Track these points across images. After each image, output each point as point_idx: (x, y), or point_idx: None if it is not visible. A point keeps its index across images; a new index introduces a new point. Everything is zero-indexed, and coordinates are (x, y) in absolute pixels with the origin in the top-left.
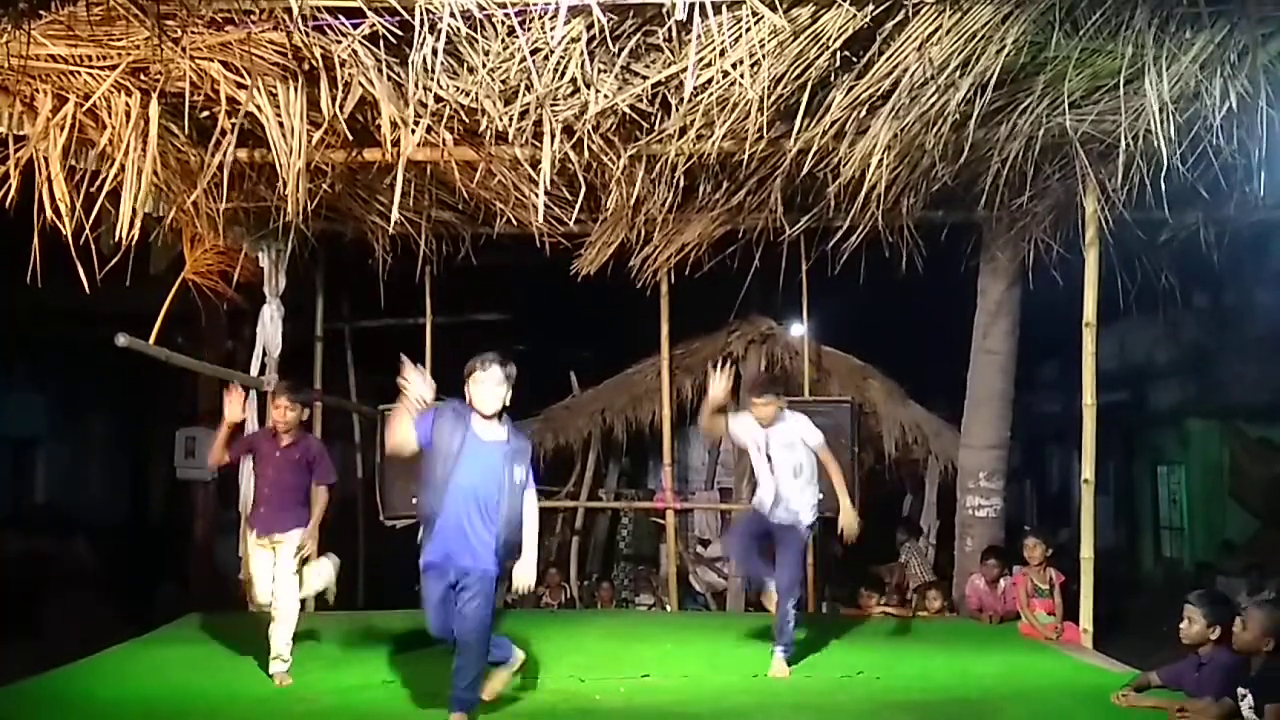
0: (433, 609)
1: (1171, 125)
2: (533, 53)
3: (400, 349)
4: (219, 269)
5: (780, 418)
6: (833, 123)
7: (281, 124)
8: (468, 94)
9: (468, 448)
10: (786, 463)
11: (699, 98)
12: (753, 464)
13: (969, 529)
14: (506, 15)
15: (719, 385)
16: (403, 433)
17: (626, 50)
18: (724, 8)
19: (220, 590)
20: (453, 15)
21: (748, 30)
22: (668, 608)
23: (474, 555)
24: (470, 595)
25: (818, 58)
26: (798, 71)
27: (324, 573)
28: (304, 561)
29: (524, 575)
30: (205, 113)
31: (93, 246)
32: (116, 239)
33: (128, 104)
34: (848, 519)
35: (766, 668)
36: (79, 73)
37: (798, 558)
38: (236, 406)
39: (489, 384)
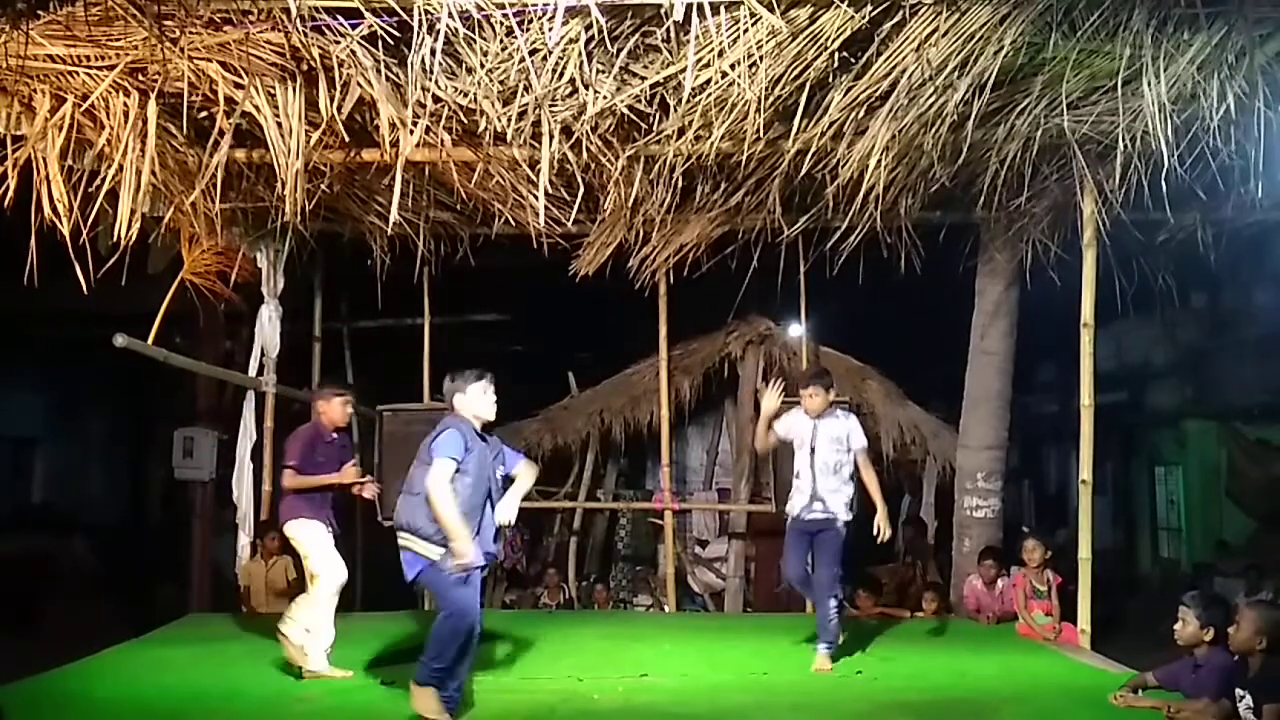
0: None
1: (1169, 126)
2: (531, 53)
3: (399, 349)
4: (217, 269)
5: (831, 413)
6: (831, 123)
7: (280, 124)
8: (466, 95)
9: (477, 457)
10: (828, 458)
11: (697, 98)
12: (795, 460)
13: (967, 530)
14: (505, 16)
15: (772, 398)
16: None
17: (625, 51)
18: (722, 9)
19: (220, 590)
20: (451, 16)
21: (746, 31)
22: (666, 608)
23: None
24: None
25: (816, 58)
26: (796, 72)
27: None
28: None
29: (503, 512)
30: (203, 113)
31: (91, 247)
32: (115, 239)
33: (126, 104)
34: (883, 520)
35: (764, 667)
36: (77, 73)
37: (835, 557)
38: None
39: (492, 394)
